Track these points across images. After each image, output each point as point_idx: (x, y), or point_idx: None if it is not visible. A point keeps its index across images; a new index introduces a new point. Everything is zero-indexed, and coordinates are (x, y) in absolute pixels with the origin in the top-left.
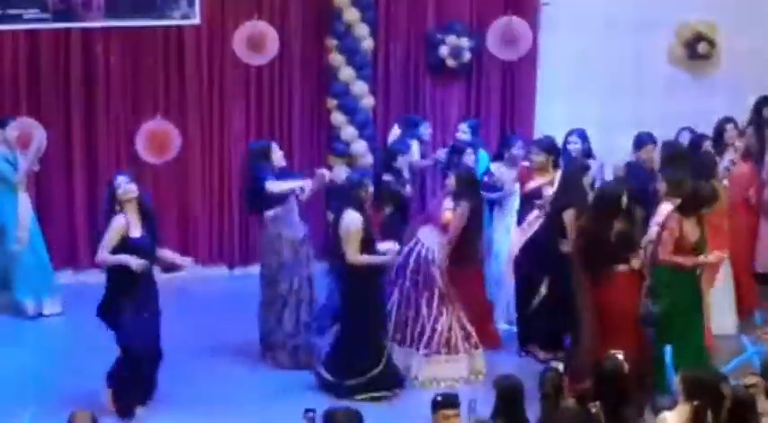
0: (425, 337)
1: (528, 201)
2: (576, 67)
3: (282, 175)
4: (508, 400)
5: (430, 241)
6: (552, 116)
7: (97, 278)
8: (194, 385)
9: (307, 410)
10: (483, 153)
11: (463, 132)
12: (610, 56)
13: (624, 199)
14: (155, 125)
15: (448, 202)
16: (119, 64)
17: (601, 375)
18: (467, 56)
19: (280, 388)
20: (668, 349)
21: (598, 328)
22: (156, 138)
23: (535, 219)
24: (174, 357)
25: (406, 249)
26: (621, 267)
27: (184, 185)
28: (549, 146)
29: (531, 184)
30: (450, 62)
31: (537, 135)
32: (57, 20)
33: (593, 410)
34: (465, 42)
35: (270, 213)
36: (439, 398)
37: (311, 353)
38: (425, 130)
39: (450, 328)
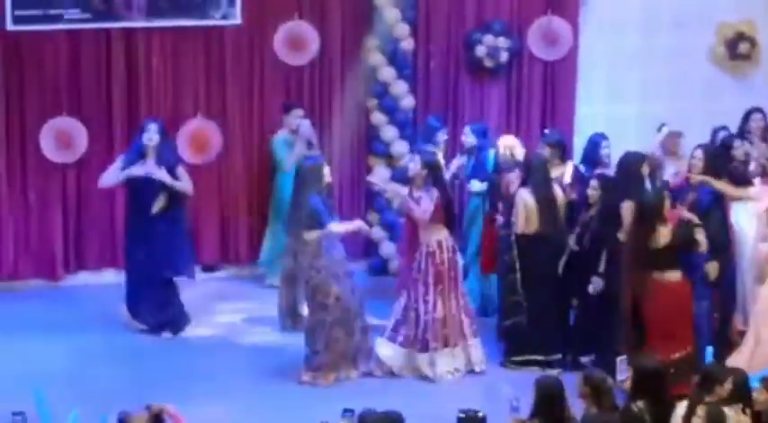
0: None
1: None
2: (617, 66)
3: (327, 197)
4: (548, 399)
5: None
6: (592, 116)
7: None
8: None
9: (345, 411)
10: (490, 154)
11: (467, 136)
12: (650, 55)
13: (666, 203)
14: (196, 125)
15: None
16: (160, 64)
17: (641, 375)
18: (504, 56)
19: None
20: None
21: (648, 329)
22: (197, 138)
23: None
24: (216, 355)
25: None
26: (668, 275)
27: (225, 185)
28: (555, 140)
29: None
30: (488, 62)
31: (578, 135)
32: (97, 20)
33: (636, 410)
34: (502, 42)
35: (314, 234)
36: (461, 415)
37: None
38: (442, 137)
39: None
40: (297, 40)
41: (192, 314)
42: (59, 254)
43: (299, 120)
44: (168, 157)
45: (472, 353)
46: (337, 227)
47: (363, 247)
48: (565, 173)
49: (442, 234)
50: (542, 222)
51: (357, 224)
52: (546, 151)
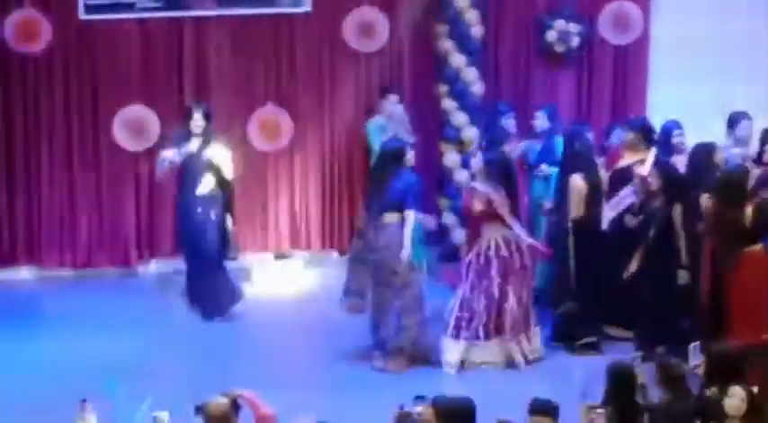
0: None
1: (617, 179)
2: (688, 50)
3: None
4: (620, 386)
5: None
6: (664, 101)
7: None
8: (303, 370)
9: (417, 397)
10: (559, 139)
11: (539, 119)
12: (722, 39)
13: (749, 182)
14: (266, 113)
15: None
16: (230, 52)
17: (716, 360)
18: (575, 41)
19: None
20: None
21: (732, 313)
22: (268, 125)
23: (625, 196)
24: (283, 341)
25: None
26: (756, 249)
27: (296, 172)
28: (640, 125)
29: (621, 163)
30: (559, 47)
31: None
32: (168, 8)
33: (710, 396)
34: (573, 27)
35: (395, 215)
36: (532, 402)
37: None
38: (507, 120)
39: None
40: (366, 26)
41: (264, 300)
42: (132, 242)
43: (393, 105)
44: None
45: (532, 341)
46: (414, 216)
47: (434, 234)
48: (646, 159)
49: (503, 231)
50: (589, 207)
51: (432, 222)
52: (631, 135)
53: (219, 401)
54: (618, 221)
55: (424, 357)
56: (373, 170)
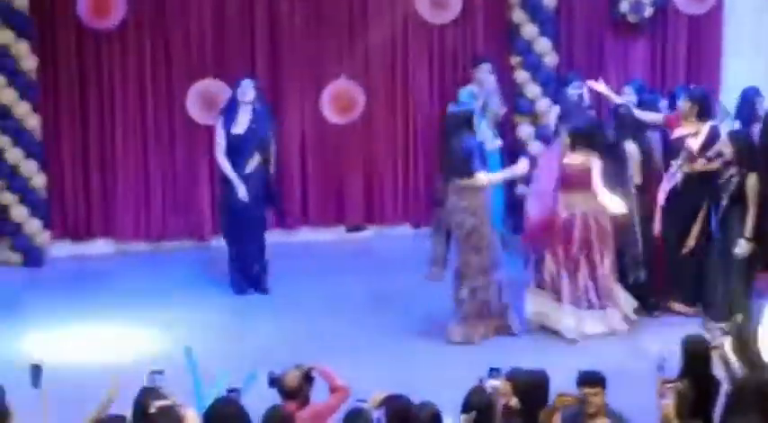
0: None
1: (674, 148)
2: (763, 19)
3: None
4: (696, 359)
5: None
6: (739, 71)
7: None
8: (377, 341)
9: (491, 369)
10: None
11: (627, 94)
12: None
13: None
14: (339, 85)
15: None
16: (302, 24)
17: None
18: (648, 11)
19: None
20: None
21: None
22: (341, 98)
23: (679, 167)
24: (357, 314)
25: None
26: None
27: (369, 145)
28: (697, 96)
29: (677, 133)
30: (632, 17)
31: (724, 91)
32: None
33: None
34: None
35: (469, 180)
36: (581, 374)
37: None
38: (573, 90)
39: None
40: None
41: (339, 273)
42: (206, 214)
43: (485, 74)
44: (264, 116)
45: (618, 313)
46: (485, 177)
47: (505, 206)
48: (699, 132)
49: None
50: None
51: (513, 170)
52: (686, 105)
53: (294, 373)
54: (673, 193)
55: (501, 322)
56: (441, 137)
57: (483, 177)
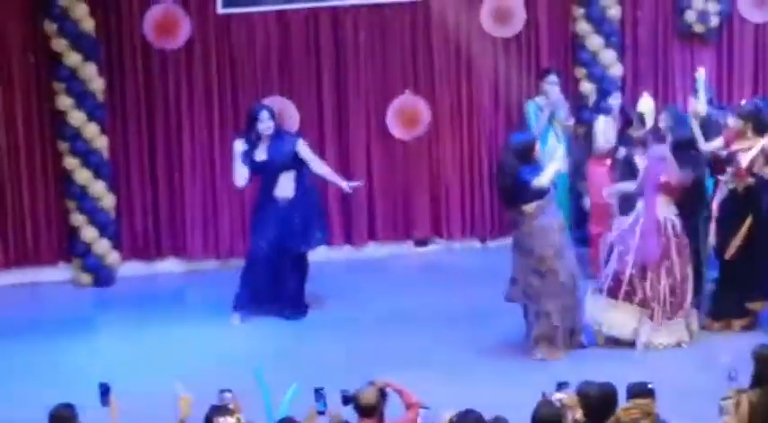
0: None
1: (726, 162)
2: None
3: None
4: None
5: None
6: None
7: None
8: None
9: (559, 384)
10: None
11: (662, 122)
12: None
13: None
14: (404, 101)
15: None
16: (367, 41)
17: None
18: (714, 20)
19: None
20: None
21: None
22: (406, 113)
23: (725, 182)
24: (426, 330)
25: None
26: None
27: (435, 160)
28: (749, 112)
29: (732, 147)
30: (698, 27)
31: None
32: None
33: None
34: (712, 6)
35: (533, 206)
36: (630, 386)
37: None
38: (614, 100)
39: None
40: (503, 11)
41: (404, 289)
42: None
43: (551, 86)
44: (285, 140)
45: (690, 323)
46: (543, 179)
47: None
48: (752, 147)
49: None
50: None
51: (557, 162)
52: (739, 123)
53: (369, 390)
54: (722, 204)
55: (575, 342)
56: (502, 164)
57: (542, 180)
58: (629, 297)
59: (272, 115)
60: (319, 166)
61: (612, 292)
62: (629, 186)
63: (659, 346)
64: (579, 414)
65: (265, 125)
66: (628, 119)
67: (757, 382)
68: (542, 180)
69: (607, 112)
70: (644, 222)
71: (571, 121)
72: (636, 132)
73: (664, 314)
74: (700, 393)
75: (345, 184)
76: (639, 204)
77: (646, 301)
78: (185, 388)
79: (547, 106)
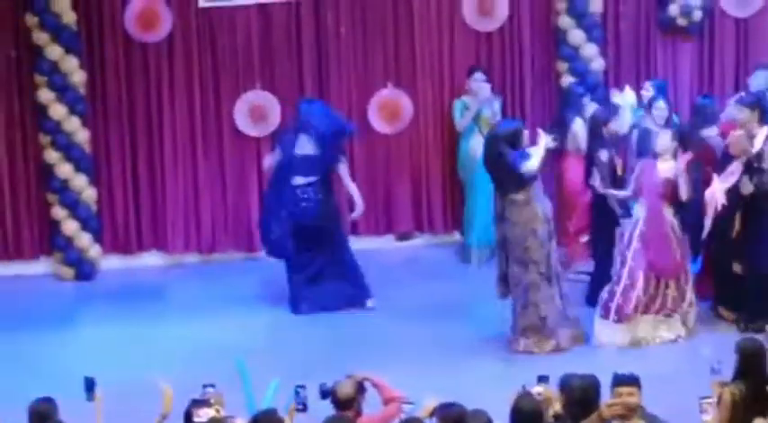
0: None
1: (728, 153)
2: None
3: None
4: (751, 362)
5: None
6: None
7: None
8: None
9: (540, 377)
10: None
11: (646, 91)
12: None
13: None
14: (386, 94)
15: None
16: (348, 34)
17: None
18: (697, 14)
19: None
20: None
21: None
22: (388, 107)
23: (730, 172)
24: (408, 323)
25: None
26: None
27: (417, 154)
28: (753, 102)
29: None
30: (681, 21)
31: None
32: None
33: None
34: (695, 1)
35: (522, 194)
36: (616, 376)
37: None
38: (587, 102)
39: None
40: (485, 5)
41: (386, 283)
42: (256, 227)
43: (478, 83)
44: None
45: (688, 319)
46: (532, 162)
47: None
48: (757, 136)
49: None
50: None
51: (542, 142)
52: (744, 114)
53: (346, 384)
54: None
55: (576, 332)
56: (488, 155)
57: (532, 164)
58: (646, 309)
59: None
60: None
61: (621, 314)
62: (622, 193)
63: (657, 341)
64: (558, 407)
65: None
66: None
67: (740, 374)
68: (532, 164)
69: (583, 112)
70: (650, 232)
71: (497, 118)
72: (610, 128)
73: (664, 310)
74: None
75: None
76: (637, 209)
77: (664, 308)
78: (166, 382)
79: (474, 104)
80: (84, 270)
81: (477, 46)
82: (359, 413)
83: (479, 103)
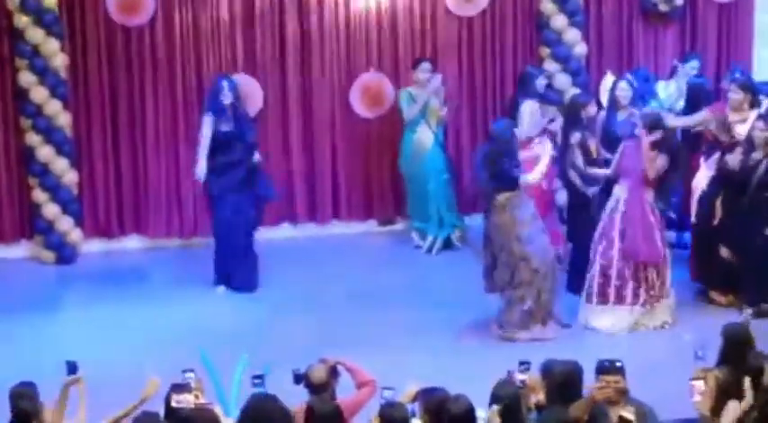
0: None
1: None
2: None
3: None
4: (736, 347)
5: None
6: None
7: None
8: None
9: (521, 363)
10: (655, 103)
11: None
12: None
13: None
14: (369, 79)
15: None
16: (332, 18)
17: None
18: (679, 0)
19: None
20: None
21: None
22: (370, 91)
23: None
24: (389, 308)
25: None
26: None
27: (399, 138)
28: (749, 85)
29: (729, 120)
30: (662, 6)
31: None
32: None
33: None
34: None
35: (504, 197)
36: (600, 363)
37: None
38: (541, 81)
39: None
40: None
41: (367, 267)
42: None
43: (426, 74)
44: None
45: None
46: (534, 176)
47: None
48: (746, 119)
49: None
50: None
51: (544, 161)
52: (739, 95)
53: (319, 368)
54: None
55: (553, 328)
56: (486, 153)
57: (530, 178)
58: (619, 297)
59: (233, 88)
60: None
61: (602, 294)
62: (602, 171)
63: (642, 328)
64: (542, 396)
65: (224, 93)
66: (598, 101)
67: (724, 360)
68: (533, 176)
69: (533, 95)
70: (630, 213)
71: (444, 111)
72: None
73: (652, 299)
74: (671, 372)
75: None
76: (617, 190)
77: (637, 298)
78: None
79: (421, 96)
80: (64, 253)
81: (458, 30)
82: (333, 398)
83: (428, 94)
